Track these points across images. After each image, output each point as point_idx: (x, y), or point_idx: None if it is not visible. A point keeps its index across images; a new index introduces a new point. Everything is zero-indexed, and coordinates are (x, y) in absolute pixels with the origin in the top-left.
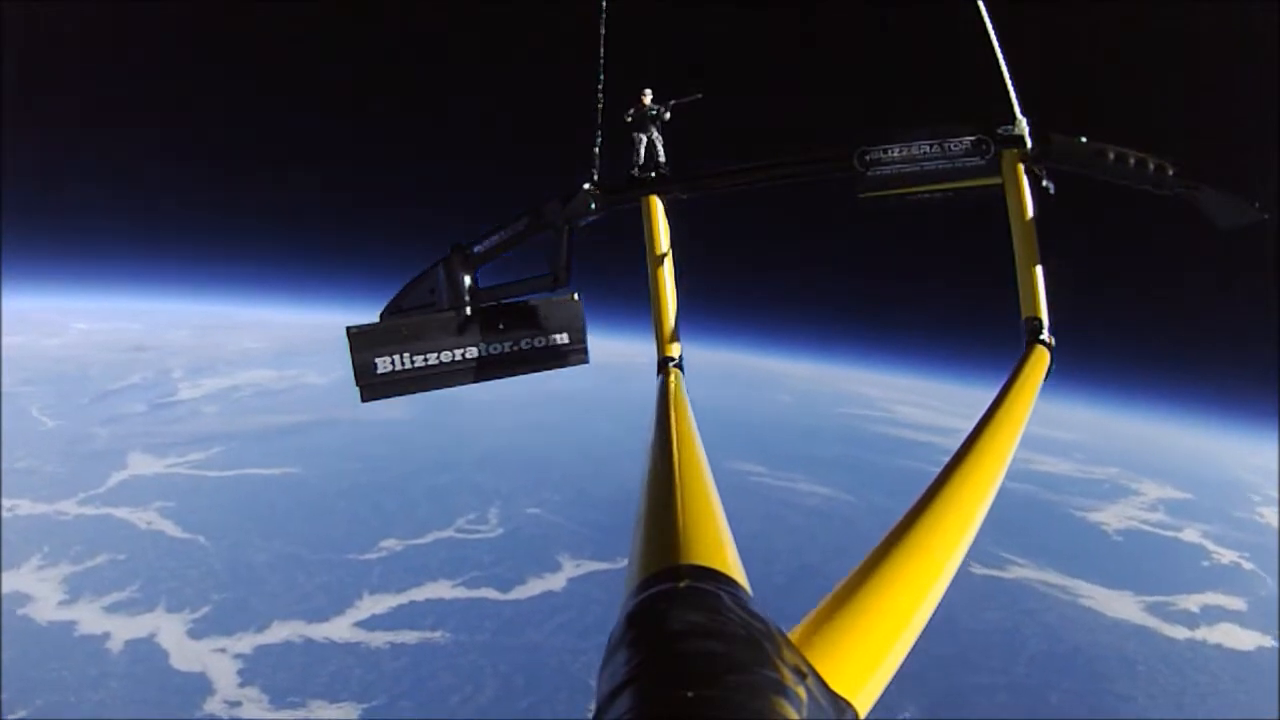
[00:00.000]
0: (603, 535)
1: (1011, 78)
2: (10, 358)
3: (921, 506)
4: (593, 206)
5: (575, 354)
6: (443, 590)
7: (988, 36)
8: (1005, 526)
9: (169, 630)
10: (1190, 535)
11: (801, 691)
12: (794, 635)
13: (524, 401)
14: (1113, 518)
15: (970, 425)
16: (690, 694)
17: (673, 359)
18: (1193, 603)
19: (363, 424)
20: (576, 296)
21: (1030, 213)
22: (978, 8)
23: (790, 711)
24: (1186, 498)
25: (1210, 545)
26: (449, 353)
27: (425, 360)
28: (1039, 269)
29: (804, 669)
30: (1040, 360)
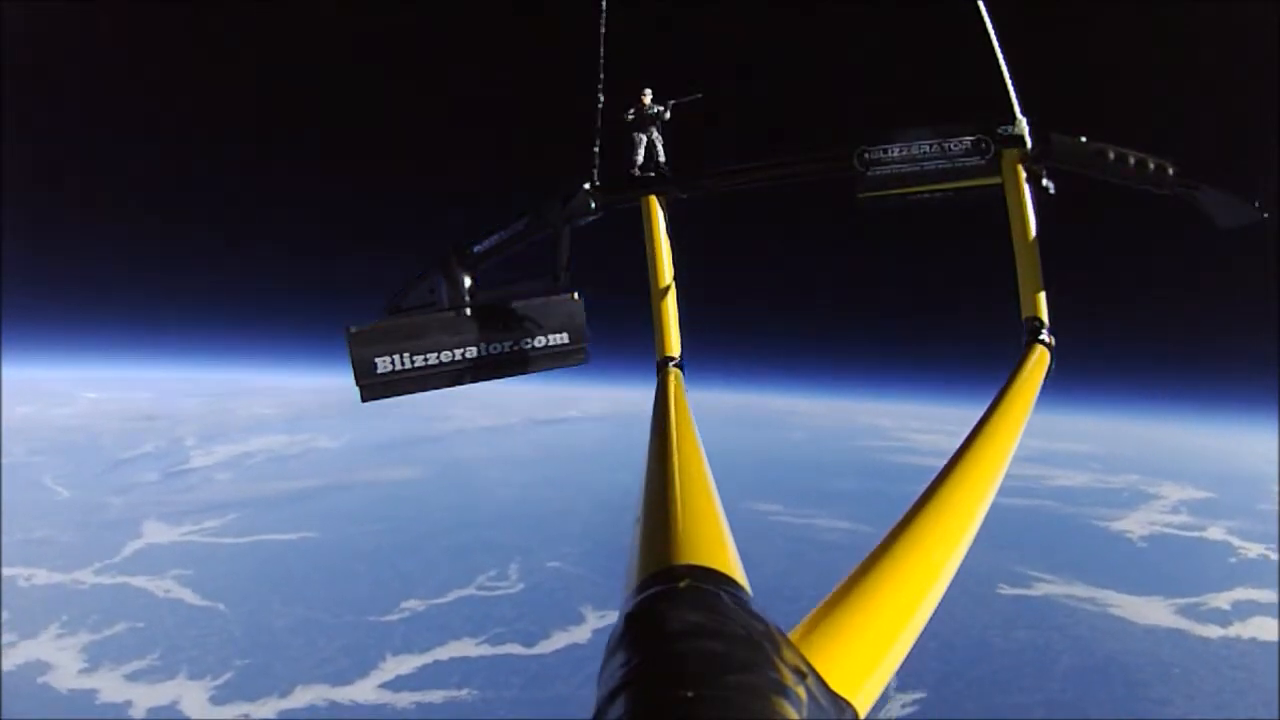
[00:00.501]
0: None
1: (1011, 77)
2: (21, 428)
3: (921, 507)
4: (592, 206)
5: (575, 354)
6: (467, 648)
7: (988, 36)
8: (1029, 544)
9: (191, 697)
10: (1215, 533)
11: (801, 691)
12: (794, 635)
13: (536, 457)
14: (1136, 524)
15: (970, 425)
16: (690, 694)
17: (673, 358)
18: (1223, 600)
19: (377, 486)
20: (577, 296)
21: (1030, 212)
22: (978, 8)
23: (790, 711)
24: (1208, 496)
25: (1236, 541)
26: (449, 353)
27: (425, 360)
28: (1039, 269)
29: (804, 669)
30: (1040, 360)
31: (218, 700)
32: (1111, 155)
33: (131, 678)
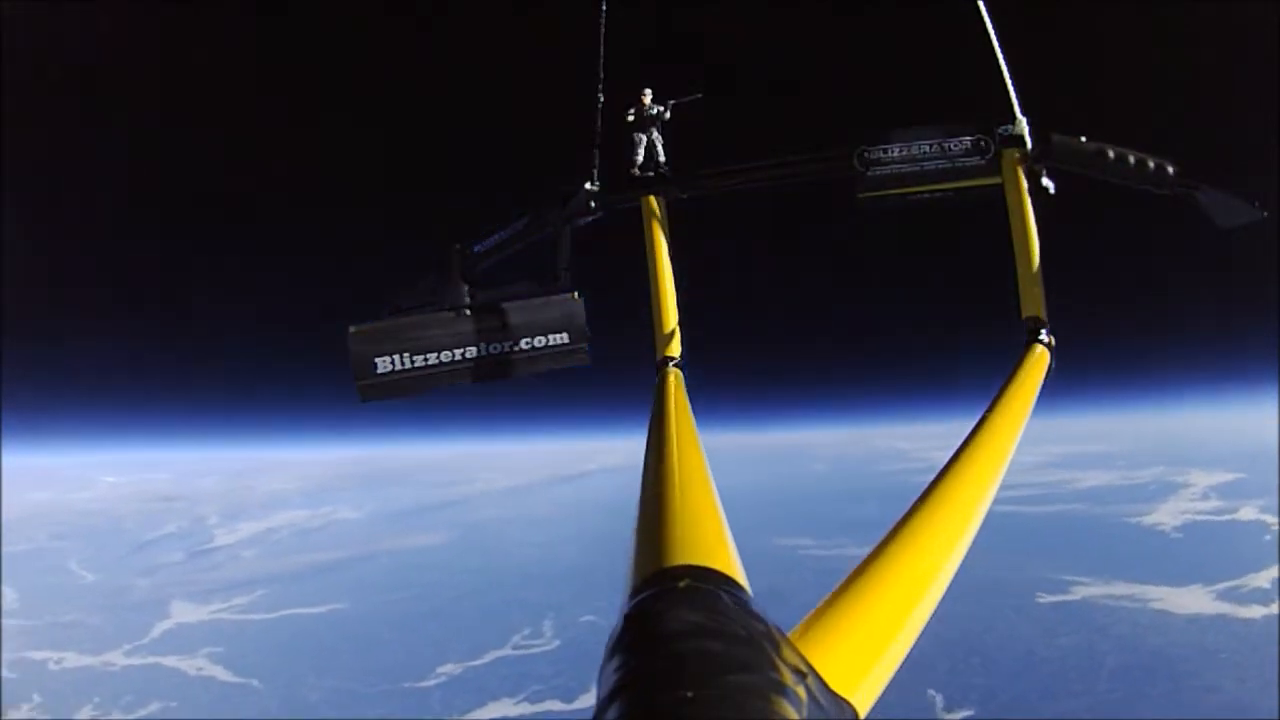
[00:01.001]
0: None
1: (1011, 77)
2: (42, 513)
3: (921, 507)
4: (592, 206)
5: (575, 354)
6: (506, 708)
7: (988, 36)
8: (1063, 550)
9: None
10: (1248, 513)
11: (801, 691)
12: (794, 635)
13: (560, 514)
14: (1167, 516)
15: (970, 426)
16: (690, 694)
17: (673, 359)
18: (1263, 579)
19: (402, 553)
20: (577, 296)
21: (1030, 212)
22: (978, 8)
23: (790, 711)
24: (1236, 478)
25: (1269, 518)
26: (449, 353)
27: (425, 360)
28: (1039, 268)
29: (804, 669)
30: (1040, 360)
31: None
32: (1111, 155)
33: None
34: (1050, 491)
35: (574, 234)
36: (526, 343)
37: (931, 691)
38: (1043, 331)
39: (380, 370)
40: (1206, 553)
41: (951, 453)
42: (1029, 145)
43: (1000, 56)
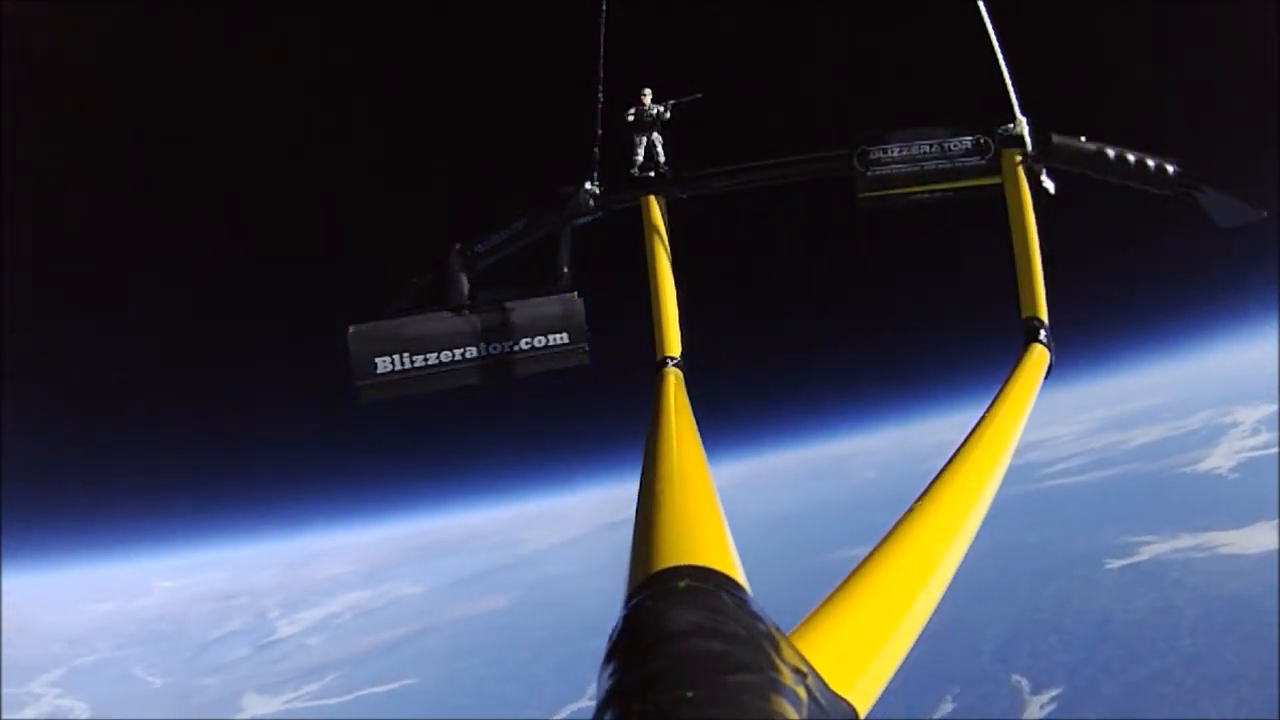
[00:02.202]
0: None
1: (1011, 77)
2: (103, 625)
3: (922, 507)
4: (592, 206)
5: (575, 354)
6: None
7: (988, 36)
8: (1124, 513)
9: None
10: None
11: (801, 691)
12: (794, 635)
13: (615, 559)
14: (1221, 458)
15: (970, 426)
16: (690, 694)
17: (672, 358)
18: None
19: (467, 621)
20: (577, 296)
21: (1030, 213)
22: (978, 8)
23: (790, 711)
24: None
25: None
26: (449, 353)
27: (425, 361)
28: (1039, 269)
29: (804, 669)
30: (1039, 360)
31: None
32: (1112, 155)
33: None
34: (1103, 456)
35: (574, 234)
36: (527, 343)
37: (1016, 677)
38: (1042, 331)
39: (380, 370)
40: (1266, 488)
41: (951, 453)
42: (1029, 145)
43: (1000, 56)
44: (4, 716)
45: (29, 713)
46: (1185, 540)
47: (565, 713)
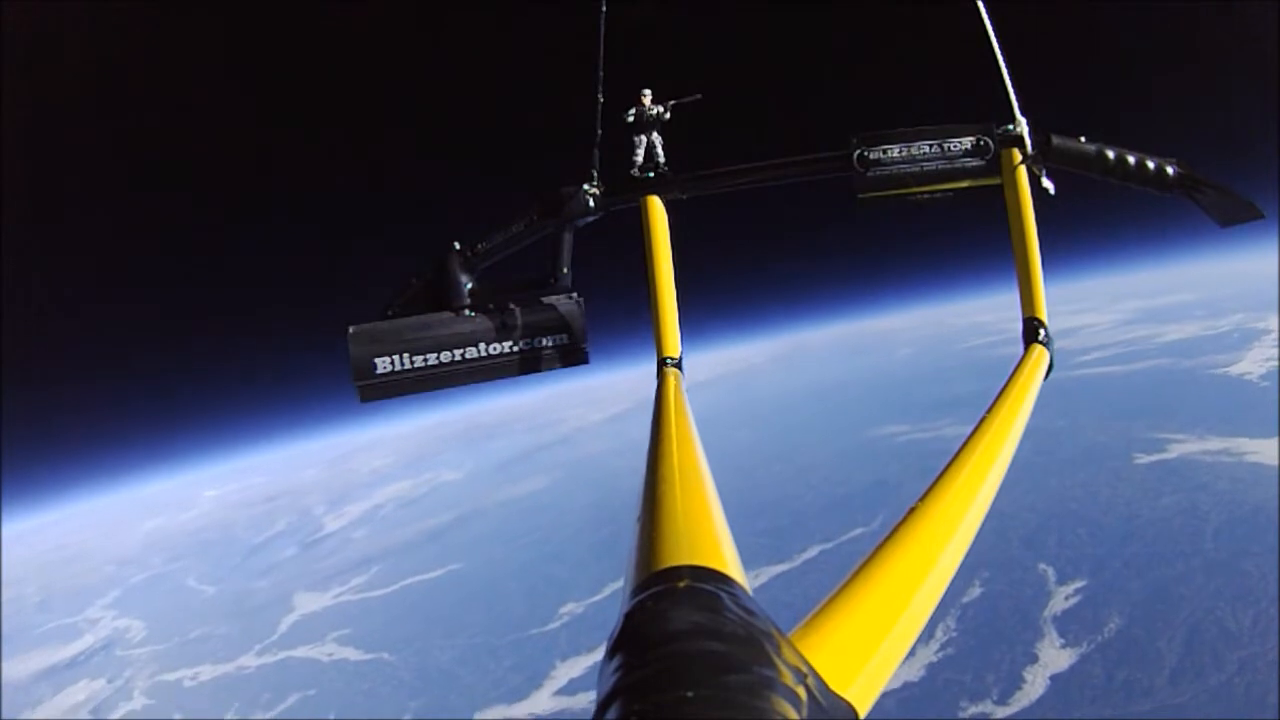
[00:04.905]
0: (774, 540)
1: (1011, 77)
2: (154, 540)
3: (922, 507)
4: (592, 206)
5: (575, 355)
6: None
7: (988, 36)
8: (1155, 407)
9: None
10: None
11: (801, 691)
12: (794, 635)
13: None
14: (1252, 364)
15: (970, 426)
16: (690, 694)
17: (672, 359)
18: None
19: (511, 503)
20: (576, 296)
21: (1030, 213)
22: (977, 8)
23: (790, 711)
24: None
25: None
26: (449, 353)
27: (425, 361)
28: (1039, 269)
29: (804, 669)
30: (1039, 360)
31: None
32: (1112, 155)
33: None
34: (1134, 349)
35: (574, 234)
36: (526, 343)
37: (1043, 566)
38: (1042, 331)
39: (380, 371)
40: None
41: (952, 452)
42: (1029, 145)
43: (1000, 57)
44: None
45: (87, 639)
46: (1213, 443)
47: (606, 592)
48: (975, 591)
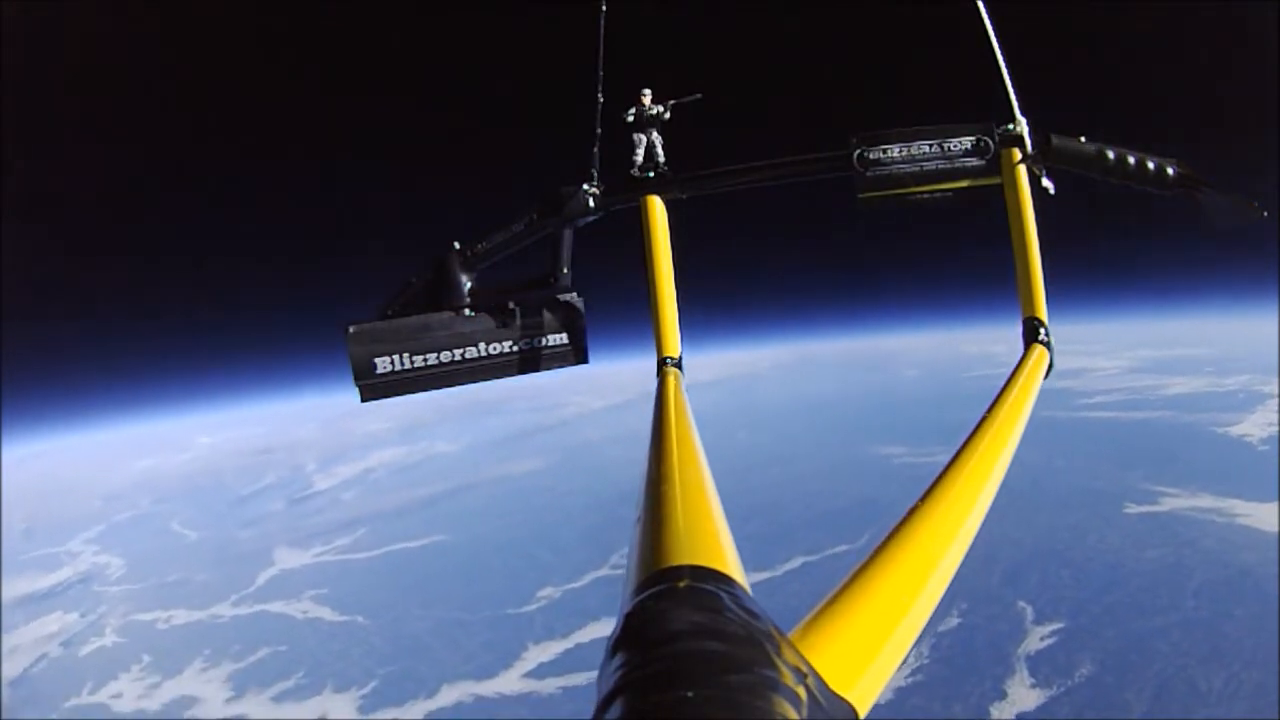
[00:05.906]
0: (760, 539)
1: (1011, 77)
2: (143, 480)
3: (922, 507)
4: (592, 206)
5: (574, 354)
6: (607, 628)
7: (988, 36)
8: (1152, 458)
9: (339, 709)
10: None
11: (801, 691)
12: (794, 635)
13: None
14: (1254, 427)
15: (970, 426)
16: (690, 694)
17: (672, 359)
18: None
19: (501, 481)
20: (576, 296)
21: (1030, 213)
22: (977, 8)
23: (790, 711)
24: None
25: None
26: (449, 353)
27: (425, 360)
28: (1039, 269)
29: (804, 669)
30: (1040, 361)
31: (365, 709)
32: (1112, 155)
33: (278, 699)
34: (1139, 397)
35: (574, 234)
36: (526, 342)
37: (1022, 603)
38: (1042, 331)
39: (380, 370)
40: None
41: (952, 452)
42: (1029, 145)
43: (1000, 57)
44: (32, 588)
45: (66, 572)
46: (1206, 500)
47: (586, 579)
48: (953, 621)
